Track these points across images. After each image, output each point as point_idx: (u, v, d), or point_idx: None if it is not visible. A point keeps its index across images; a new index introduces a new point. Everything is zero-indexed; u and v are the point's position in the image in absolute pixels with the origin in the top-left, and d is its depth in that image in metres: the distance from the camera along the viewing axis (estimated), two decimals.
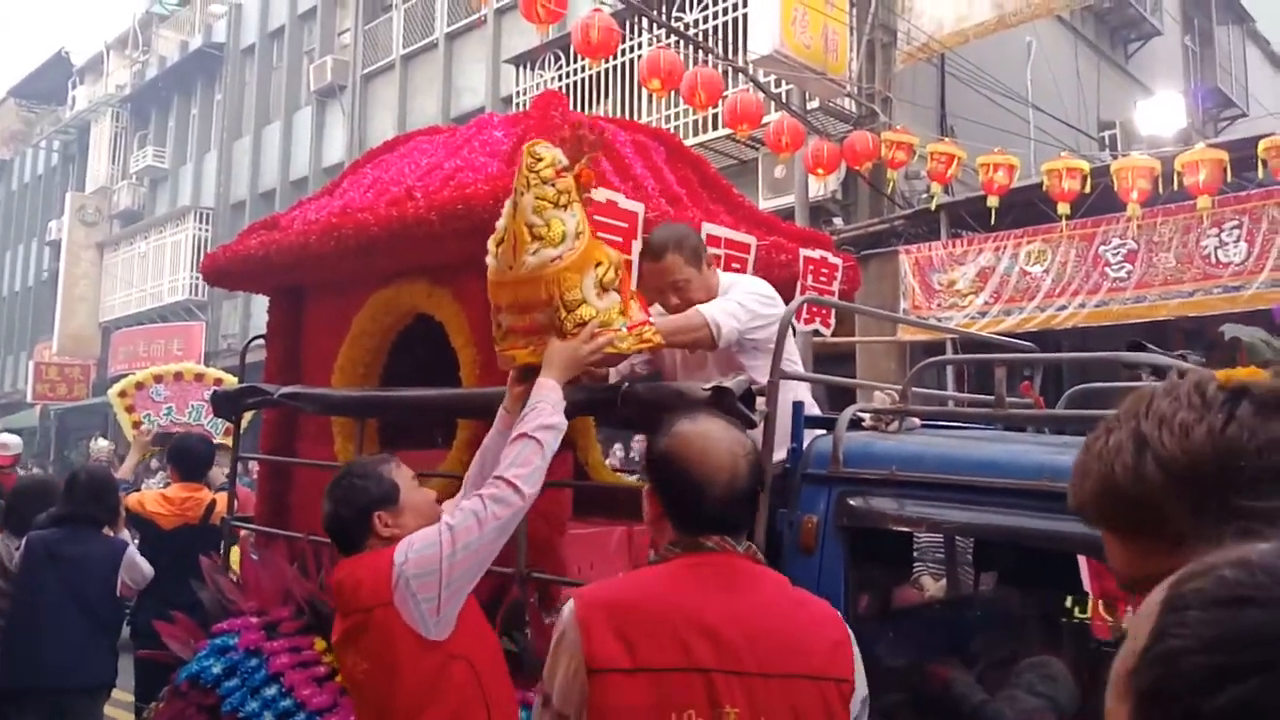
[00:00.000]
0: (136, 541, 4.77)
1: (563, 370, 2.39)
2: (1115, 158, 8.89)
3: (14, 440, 8.05)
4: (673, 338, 2.67)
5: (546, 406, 2.32)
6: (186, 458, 5.29)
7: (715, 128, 10.70)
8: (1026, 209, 9.03)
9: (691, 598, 1.60)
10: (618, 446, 10.14)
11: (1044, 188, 8.43)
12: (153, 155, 23.96)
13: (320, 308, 3.97)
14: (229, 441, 4.96)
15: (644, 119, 10.66)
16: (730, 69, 9.96)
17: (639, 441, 9.81)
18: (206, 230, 21.09)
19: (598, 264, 2.44)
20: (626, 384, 2.68)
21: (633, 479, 5.09)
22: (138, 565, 4.37)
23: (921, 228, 9.98)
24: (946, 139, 9.59)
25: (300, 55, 20.23)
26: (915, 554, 3.72)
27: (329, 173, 17.17)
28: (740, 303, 2.72)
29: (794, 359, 2.97)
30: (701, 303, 2.75)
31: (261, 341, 4.22)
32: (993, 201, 8.75)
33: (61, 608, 4.06)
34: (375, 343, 3.67)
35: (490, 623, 2.76)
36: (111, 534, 4.37)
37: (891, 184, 9.73)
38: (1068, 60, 12.74)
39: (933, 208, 9.59)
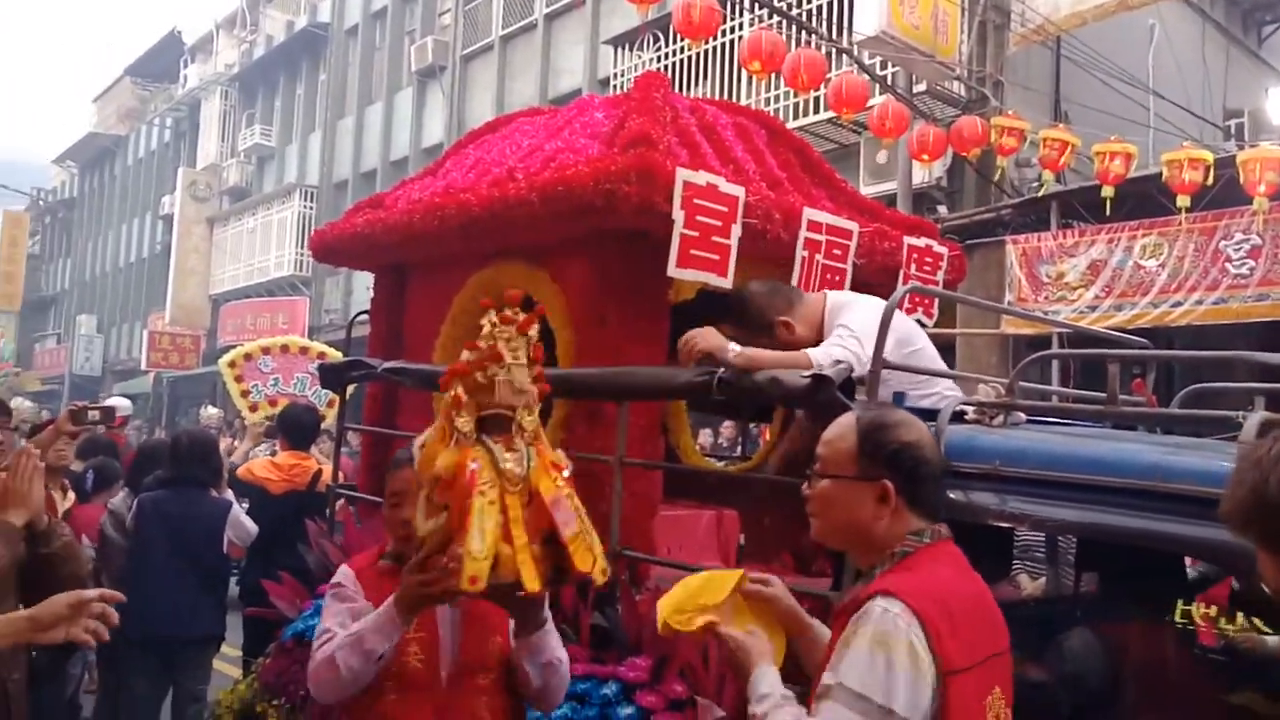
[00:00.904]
0: (246, 506, 4.96)
1: (395, 595, 2.09)
2: (1242, 148, 8.42)
3: (125, 404, 8.54)
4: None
5: (368, 624, 2.10)
6: (296, 427, 5.46)
7: (817, 111, 10.53)
8: (1143, 200, 8.65)
9: (965, 584, 1.67)
10: (706, 431, 10.13)
11: (1163, 178, 8.06)
12: (260, 133, 24.66)
13: (422, 286, 4.06)
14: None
15: (744, 101, 10.54)
16: (834, 50, 9.78)
17: (728, 427, 9.79)
18: (311, 208, 21.63)
19: (433, 479, 1.94)
20: (721, 370, 2.67)
21: (720, 464, 5.09)
22: (242, 523, 4.57)
23: (1030, 217, 9.65)
24: (1060, 125, 9.23)
25: (402, 36, 20.59)
26: (1016, 551, 3.62)
27: (429, 153, 17.49)
28: (854, 350, 2.65)
29: (931, 355, 2.92)
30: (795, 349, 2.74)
31: (366, 317, 4.33)
32: (1108, 191, 8.38)
33: (171, 565, 4.27)
34: (475, 321, 3.71)
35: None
36: (217, 495, 4.55)
37: (1000, 171, 9.43)
38: (1193, 44, 12.10)
39: (1040, 195, 9.27)
